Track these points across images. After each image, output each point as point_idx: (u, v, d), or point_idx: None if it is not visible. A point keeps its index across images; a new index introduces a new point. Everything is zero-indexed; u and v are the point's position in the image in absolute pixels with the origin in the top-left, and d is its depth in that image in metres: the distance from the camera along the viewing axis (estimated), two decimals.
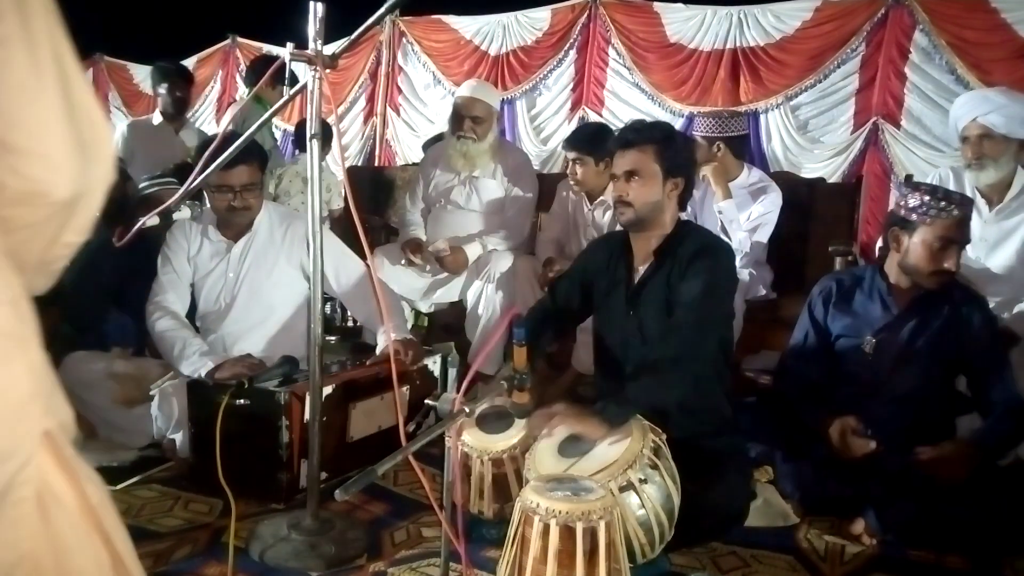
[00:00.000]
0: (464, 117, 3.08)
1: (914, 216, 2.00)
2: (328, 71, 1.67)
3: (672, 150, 1.95)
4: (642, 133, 1.99)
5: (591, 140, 2.97)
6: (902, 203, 2.06)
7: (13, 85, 0.67)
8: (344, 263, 2.40)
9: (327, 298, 2.56)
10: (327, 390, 2.06)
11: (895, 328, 2.08)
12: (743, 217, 2.88)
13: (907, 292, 2.08)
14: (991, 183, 2.50)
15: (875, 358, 2.08)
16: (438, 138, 3.96)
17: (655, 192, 1.94)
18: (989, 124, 2.45)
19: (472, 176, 3.15)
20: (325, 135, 2.56)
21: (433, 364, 2.48)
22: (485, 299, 2.94)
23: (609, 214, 2.98)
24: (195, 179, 1.84)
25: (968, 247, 2.59)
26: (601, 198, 3.01)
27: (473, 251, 3.03)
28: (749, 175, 2.97)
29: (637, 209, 1.95)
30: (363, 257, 2.54)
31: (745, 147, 3.16)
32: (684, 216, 3.02)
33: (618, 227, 2.12)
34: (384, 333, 2.26)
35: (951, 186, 2.65)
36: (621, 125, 4.45)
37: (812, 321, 2.21)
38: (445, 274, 3.06)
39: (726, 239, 2.77)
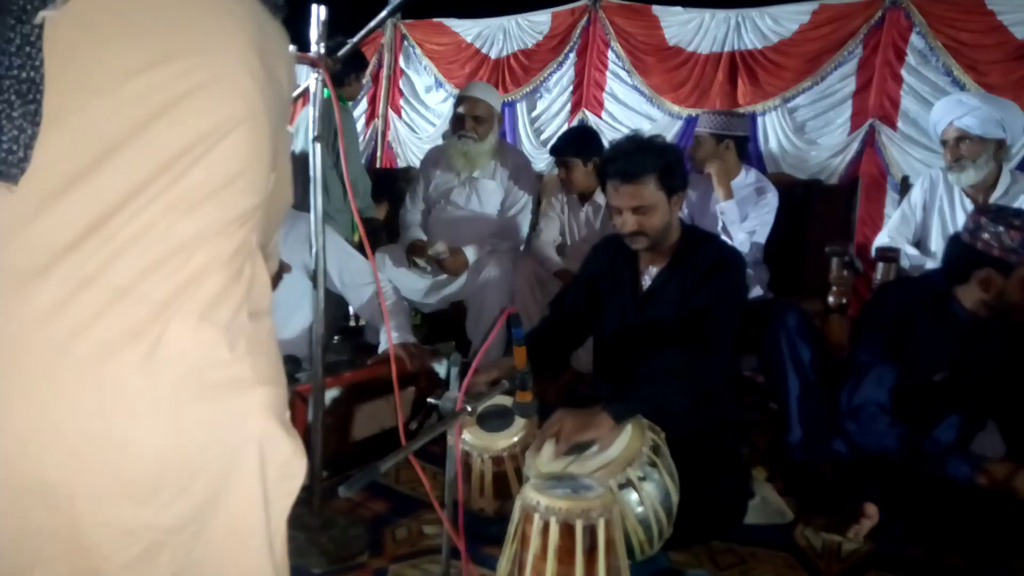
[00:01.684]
0: (466, 116, 3.10)
1: (1013, 257, 1.81)
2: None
3: (671, 172, 1.91)
4: (641, 166, 1.89)
5: (576, 142, 3.04)
6: (993, 241, 1.82)
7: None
8: (348, 262, 2.42)
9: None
10: (333, 392, 2.08)
11: (969, 360, 1.95)
12: (741, 218, 2.90)
13: (984, 322, 1.94)
14: (973, 183, 2.57)
15: (940, 387, 1.96)
16: None
17: (664, 215, 1.93)
18: (964, 127, 2.52)
19: (472, 177, 3.17)
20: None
21: (440, 367, 2.50)
22: (485, 299, 2.96)
23: (602, 213, 3.02)
24: None
25: None
26: (593, 198, 3.06)
27: (472, 252, 3.05)
28: (747, 176, 2.99)
29: (652, 236, 1.93)
30: (365, 257, 2.55)
31: (747, 149, 3.19)
32: (682, 216, 3.05)
33: (612, 227, 2.13)
34: (385, 332, 2.28)
35: (940, 187, 2.70)
36: (620, 127, 4.48)
37: (892, 345, 1.96)
38: (446, 275, 3.08)
39: (727, 239, 2.80)
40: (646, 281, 2.01)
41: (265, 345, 0.81)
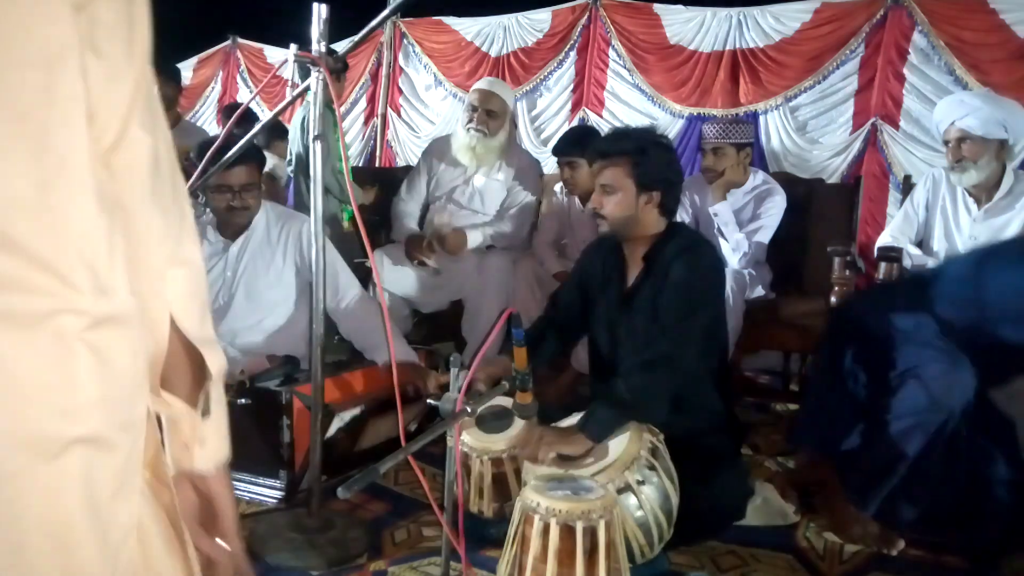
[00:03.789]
0: (478, 108, 3.06)
1: None
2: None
3: (646, 164, 1.92)
4: (615, 145, 1.95)
5: (580, 143, 2.99)
6: None
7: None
8: (340, 282, 2.38)
9: None
10: (355, 411, 2.06)
11: None
12: (746, 220, 2.89)
13: None
14: (975, 184, 2.56)
15: None
16: None
17: (628, 207, 1.93)
18: (966, 127, 2.51)
19: (477, 176, 3.14)
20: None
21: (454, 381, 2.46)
22: (484, 299, 2.95)
23: None
24: (197, 179, 1.86)
25: (959, 245, 2.62)
26: None
27: (474, 237, 3.02)
28: (755, 179, 2.98)
29: (611, 222, 1.96)
30: (364, 255, 2.53)
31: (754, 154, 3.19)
32: (686, 219, 3.04)
33: None
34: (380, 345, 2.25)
35: (943, 186, 2.69)
36: (619, 126, 4.46)
37: None
38: (445, 274, 3.06)
39: (722, 241, 2.79)
40: (630, 281, 2.02)
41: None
